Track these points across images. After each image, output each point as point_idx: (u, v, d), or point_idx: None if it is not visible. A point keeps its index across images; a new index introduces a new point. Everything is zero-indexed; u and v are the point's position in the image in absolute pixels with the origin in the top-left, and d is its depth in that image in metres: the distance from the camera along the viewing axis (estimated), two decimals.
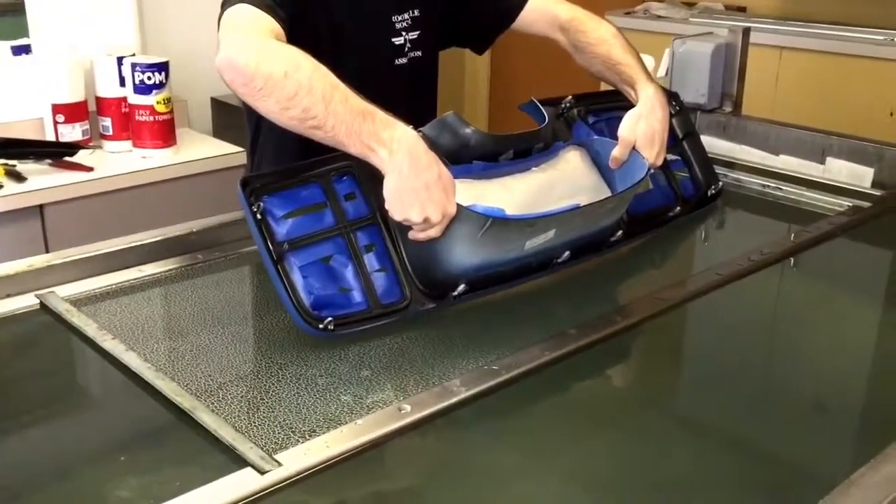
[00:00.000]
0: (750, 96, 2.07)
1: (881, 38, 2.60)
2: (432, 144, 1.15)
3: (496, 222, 1.12)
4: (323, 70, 1.10)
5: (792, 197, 1.71)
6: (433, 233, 1.10)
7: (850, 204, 1.62)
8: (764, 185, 1.75)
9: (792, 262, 1.41)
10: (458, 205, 1.09)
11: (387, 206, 1.10)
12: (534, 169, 1.31)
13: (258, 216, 1.10)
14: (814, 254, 1.43)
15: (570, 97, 1.44)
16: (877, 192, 1.68)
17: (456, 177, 1.15)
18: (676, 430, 1.04)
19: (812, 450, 0.98)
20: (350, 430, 0.91)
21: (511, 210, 1.21)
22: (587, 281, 1.33)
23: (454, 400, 0.97)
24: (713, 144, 2.00)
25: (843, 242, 1.49)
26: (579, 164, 1.35)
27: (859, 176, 1.76)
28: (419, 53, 1.48)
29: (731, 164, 1.88)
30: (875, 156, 1.75)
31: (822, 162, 1.83)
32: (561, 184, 1.31)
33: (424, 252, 1.15)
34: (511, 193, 1.25)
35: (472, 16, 1.56)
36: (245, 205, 1.10)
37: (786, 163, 1.87)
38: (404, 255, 1.16)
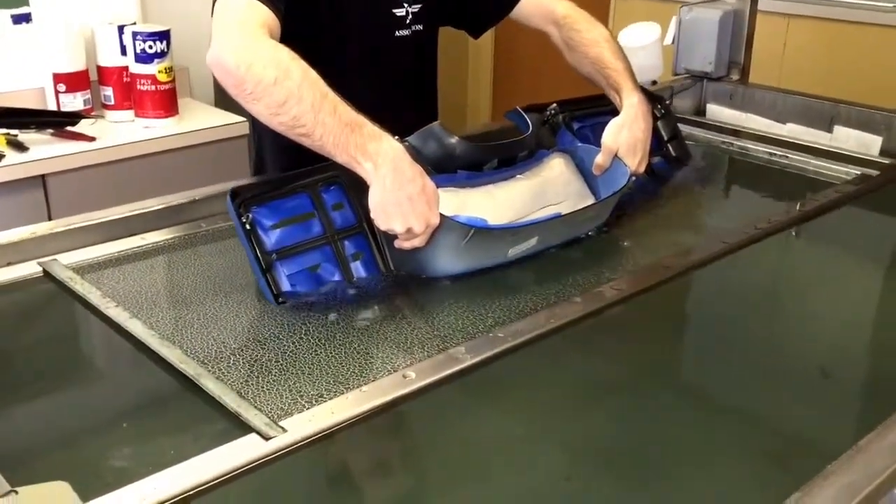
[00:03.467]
0: (756, 64, 2.05)
1: (890, 5, 2.56)
2: (418, 155, 1.18)
3: (479, 231, 1.15)
4: (312, 77, 1.11)
5: (799, 165, 1.70)
6: (417, 242, 1.13)
7: (858, 172, 1.61)
8: (771, 154, 1.74)
9: (799, 230, 1.40)
10: (441, 215, 1.12)
11: (372, 216, 1.12)
12: (518, 176, 1.32)
13: (247, 227, 1.11)
14: (821, 222, 1.42)
15: (554, 104, 1.47)
16: (885, 161, 1.67)
17: (441, 185, 1.17)
18: (681, 399, 1.04)
19: (818, 417, 0.98)
20: (355, 397, 0.91)
21: (495, 217, 1.22)
22: (591, 249, 1.32)
23: (459, 367, 0.97)
24: (720, 113, 1.99)
25: (851, 211, 1.49)
26: (563, 170, 1.37)
27: (867, 144, 1.75)
28: (420, 27, 1.47)
29: (737, 133, 1.86)
30: (883, 124, 1.74)
31: (830, 130, 1.82)
32: (545, 190, 1.33)
33: (410, 260, 1.17)
34: (495, 201, 1.26)
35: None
36: (234, 216, 1.11)
37: (793, 131, 1.86)
38: (390, 262, 1.19)
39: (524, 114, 1.38)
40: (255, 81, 1.10)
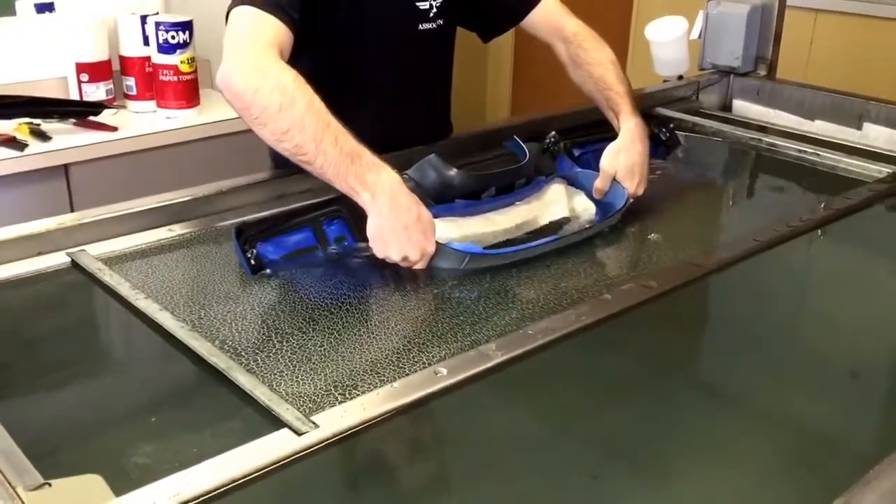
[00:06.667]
0: (783, 60, 2.03)
1: None
2: (417, 186, 1.23)
3: (475, 257, 1.19)
4: (317, 106, 1.14)
5: (829, 163, 1.67)
6: (418, 268, 1.17)
7: (890, 170, 1.58)
8: (800, 151, 1.72)
9: (831, 229, 1.38)
10: (437, 243, 1.16)
11: (370, 244, 1.16)
12: (517, 203, 1.35)
13: (252, 262, 1.15)
14: (854, 221, 1.40)
15: (553, 132, 1.50)
16: None
17: (439, 215, 1.22)
18: (710, 399, 1.03)
19: (847, 419, 0.97)
20: (386, 393, 0.90)
21: (493, 241, 1.25)
22: (621, 247, 1.31)
23: (489, 364, 0.96)
24: (746, 109, 1.97)
25: (884, 209, 1.47)
26: (562, 196, 1.39)
27: None
28: (442, 22, 1.49)
29: (764, 129, 1.85)
30: None
31: (859, 128, 1.80)
32: (544, 215, 1.35)
33: None
34: (495, 227, 1.29)
35: (489, 3, 1.57)
36: (239, 251, 1.15)
37: (822, 128, 1.84)
38: None
39: (522, 143, 1.40)
40: (261, 108, 1.14)
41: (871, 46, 2.54)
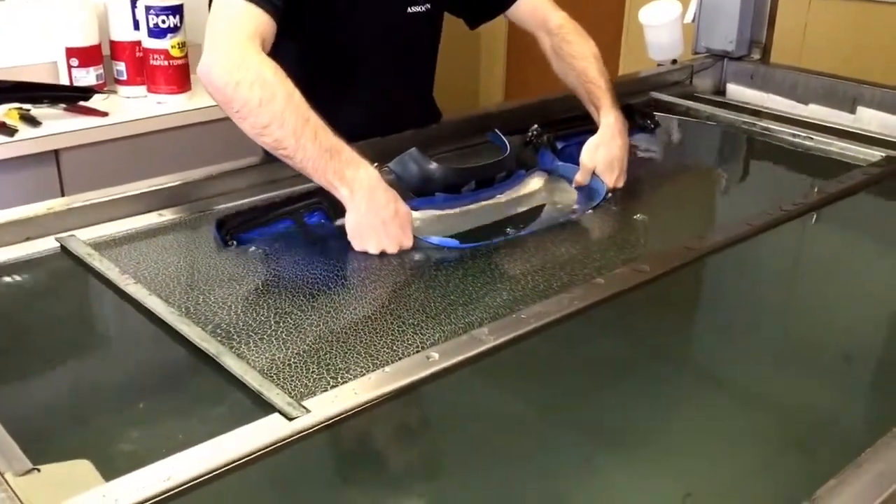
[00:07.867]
0: (777, 43, 2.03)
1: None
2: (397, 180, 1.25)
3: (458, 234, 1.21)
4: (296, 100, 1.15)
5: (822, 147, 1.67)
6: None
7: (883, 154, 1.58)
8: (794, 135, 1.71)
9: (825, 212, 1.38)
10: (414, 237, 1.18)
11: (349, 238, 1.18)
12: (498, 196, 1.36)
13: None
14: (848, 204, 1.40)
15: (536, 126, 1.51)
16: None
17: (419, 208, 1.25)
18: (703, 384, 1.03)
19: (841, 403, 0.97)
20: (378, 378, 0.90)
21: (475, 227, 1.27)
22: (614, 231, 1.31)
23: (482, 348, 0.96)
24: (740, 93, 1.97)
25: (878, 193, 1.47)
26: (543, 189, 1.40)
27: (891, 126, 1.73)
28: (430, 6, 1.49)
29: (758, 113, 1.84)
30: None
31: (853, 111, 1.79)
32: (524, 208, 1.36)
33: None
34: (474, 221, 1.30)
35: None
36: (220, 243, 1.17)
37: (815, 112, 1.83)
38: None
39: (503, 136, 1.41)
40: (241, 102, 1.15)
41: (865, 30, 2.53)
